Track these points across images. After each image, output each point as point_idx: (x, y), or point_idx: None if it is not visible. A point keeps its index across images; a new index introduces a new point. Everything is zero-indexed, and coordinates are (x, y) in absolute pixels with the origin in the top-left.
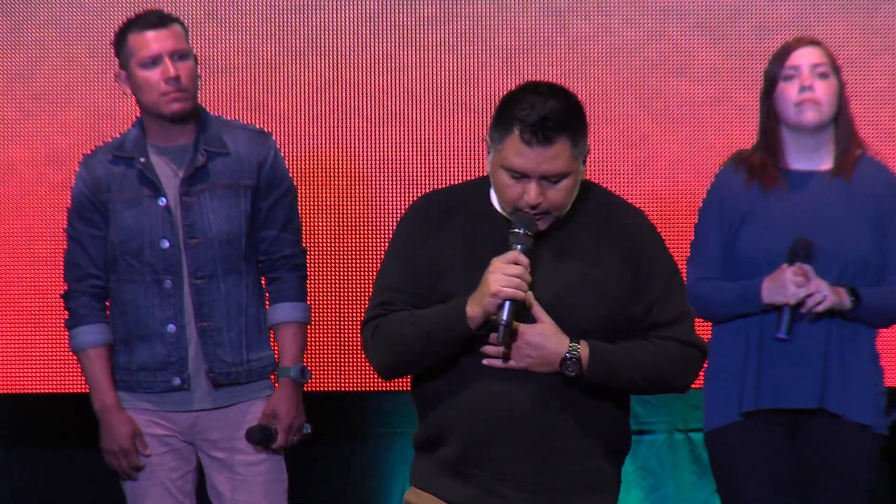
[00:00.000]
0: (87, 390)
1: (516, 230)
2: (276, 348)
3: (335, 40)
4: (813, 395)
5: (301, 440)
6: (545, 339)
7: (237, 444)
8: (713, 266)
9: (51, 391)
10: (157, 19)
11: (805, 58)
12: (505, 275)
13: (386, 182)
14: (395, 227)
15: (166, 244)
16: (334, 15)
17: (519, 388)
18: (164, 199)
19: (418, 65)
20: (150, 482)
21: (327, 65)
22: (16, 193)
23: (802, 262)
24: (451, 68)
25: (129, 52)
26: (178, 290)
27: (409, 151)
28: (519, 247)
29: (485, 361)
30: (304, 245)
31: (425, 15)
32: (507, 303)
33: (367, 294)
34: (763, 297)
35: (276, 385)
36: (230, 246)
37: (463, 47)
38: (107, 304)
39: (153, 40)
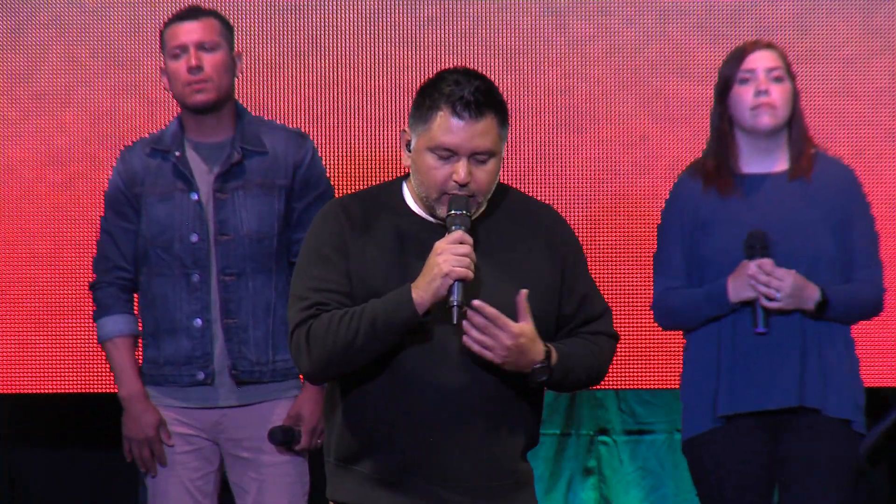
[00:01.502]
0: (87, 390)
1: (452, 212)
2: None
3: (335, 40)
4: (792, 393)
5: None
6: (531, 344)
7: (261, 443)
8: (679, 276)
9: (51, 391)
10: (189, 12)
11: (760, 61)
12: (454, 255)
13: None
14: (311, 232)
15: (195, 238)
16: (334, 15)
17: (459, 394)
18: (196, 194)
19: (418, 65)
20: (170, 481)
21: (327, 65)
22: (16, 193)
23: (761, 254)
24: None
25: (164, 45)
26: (205, 284)
27: None
28: (458, 227)
29: (464, 339)
30: None
31: (425, 15)
32: (457, 283)
33: None
34: (730, 296)
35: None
36: (260, 245)
37: (463, 47)
38: (135, 296)
39: (181, 31)
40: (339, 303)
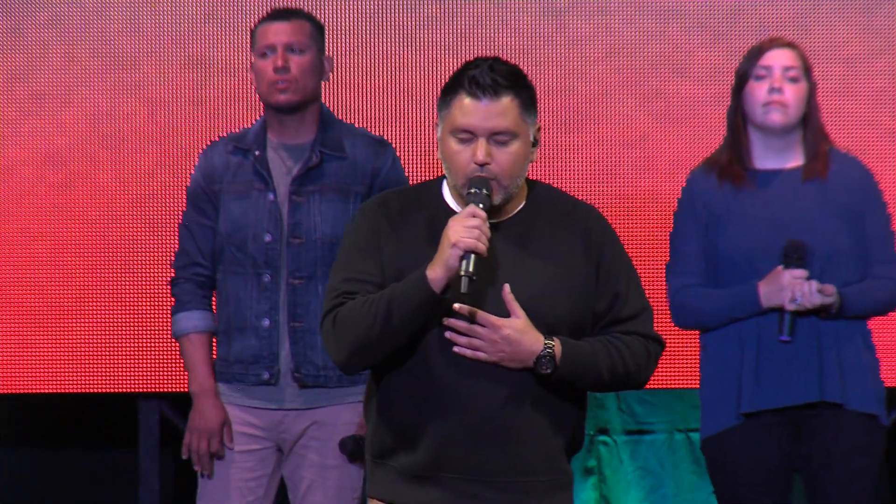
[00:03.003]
0: (87, 391)
1: (472, 191)
2: None
3: (335, 40)
4: (813, 388)
5: None
6: (521, 336)
7: (319, 444)
8: (695, 272)
9: (51, 391)
10: (282, 12)
11: (777, 59)
12: (464, 227)
13: None
14: (348, 229)
15: (268, 238)
16: (334, 15)
17: (491, 387)
18: (272, 195)
19: (418, 65)
20: (221, 477)
21: None
22: (16, 193)
23: (798, 264)
24: (451, 68)
25: (253, 43)
26: (275, 285)
27: (409, 151)
28: (475, 205)
29: (455, 349)
30: None
31: (425, 15)
32: (469, 255)
33: None
34: (762, 302)
35: None
36: (332, 250)
37: (463, 47)
38: (213, 293)
39: (271, 31)
40: (368, 292)
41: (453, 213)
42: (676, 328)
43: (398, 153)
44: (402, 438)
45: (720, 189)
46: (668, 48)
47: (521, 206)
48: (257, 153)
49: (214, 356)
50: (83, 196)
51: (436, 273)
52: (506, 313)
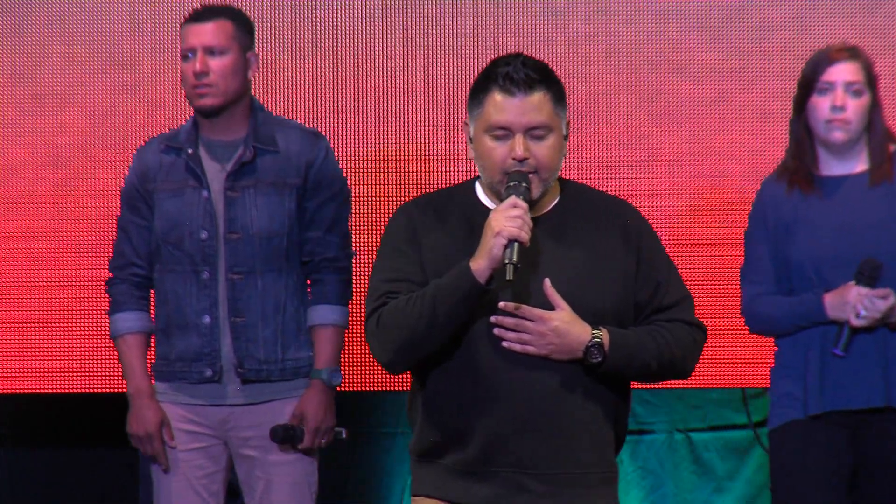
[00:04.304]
0: (87, 390)
1: (511, 184)
2: None
3: (335, 40)
4: (878, 393)
5: (332, 443)
6: (569, 326)
7: (268, 442)
8: (767, 280)
9: (51, 391)
10: (202, 13)
11: (840, 75)
12: (506, 216)
13: (386, 182)
14: (385, 232)
15: (204, 235)
16: (334, 15)
17: (540, 379)
18: (206, 192)
19: (418, 65)
20: (175, 478)
21: (327, 65)
22: (16, 193)
23: (867, 283)
24: (451, 68)
25: (180, 44)
26: (214, 282)
27: (409, 151)
28: (515, 196)
29: (504, 344)
30: (351, 249)
31: (425, 15)
32: (512, 244)
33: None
34: (827, 312)
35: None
36: (270, 243)
37: (463, 47)
38: (151, 293)
39: (191, 34)
40: (410, 291)
41: (489, 210)
42: None
43: (398, 153)
44: (451, 435)
45: (789, 196)
46: (667, 48)
47: (556, 201)
48: (190, 151)
49: (152, 355)
50: (83, 196)
51: (479, 264)
52: (548, 307)
